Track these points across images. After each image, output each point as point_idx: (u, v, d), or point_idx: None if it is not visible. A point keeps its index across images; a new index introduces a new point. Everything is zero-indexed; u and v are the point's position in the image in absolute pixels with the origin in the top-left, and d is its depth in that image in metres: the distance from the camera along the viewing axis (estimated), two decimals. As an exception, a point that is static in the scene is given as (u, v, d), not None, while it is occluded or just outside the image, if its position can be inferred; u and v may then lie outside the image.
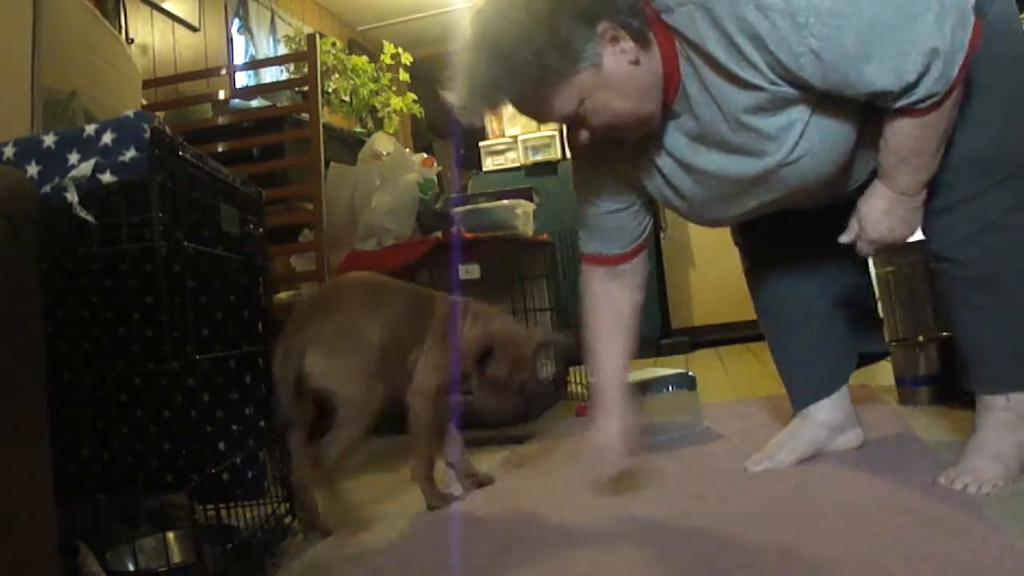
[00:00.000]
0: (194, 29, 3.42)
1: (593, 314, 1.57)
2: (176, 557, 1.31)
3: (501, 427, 1.69)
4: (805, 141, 1.24)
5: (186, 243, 1.22)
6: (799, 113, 1.23)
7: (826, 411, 1.60)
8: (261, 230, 1.57)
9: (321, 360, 1.50)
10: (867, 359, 1.70)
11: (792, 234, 1.58)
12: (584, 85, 1.24)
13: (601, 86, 1.25)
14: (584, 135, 1.32)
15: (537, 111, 1.31)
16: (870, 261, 1.77)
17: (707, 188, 1.38)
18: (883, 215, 1.28)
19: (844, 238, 1.34)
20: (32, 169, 1.14)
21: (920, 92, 1.14)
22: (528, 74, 1.23)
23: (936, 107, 1.16)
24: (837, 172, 1.30)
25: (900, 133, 1.20)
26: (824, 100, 1.21)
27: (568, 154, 4.35)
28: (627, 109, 1.27)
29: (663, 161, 1.40)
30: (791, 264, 1.62)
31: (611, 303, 1.56)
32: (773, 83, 1.19)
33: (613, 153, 1.44)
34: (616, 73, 1.24)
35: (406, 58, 3.95)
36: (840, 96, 1.19)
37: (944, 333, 1.92)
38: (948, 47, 1.11)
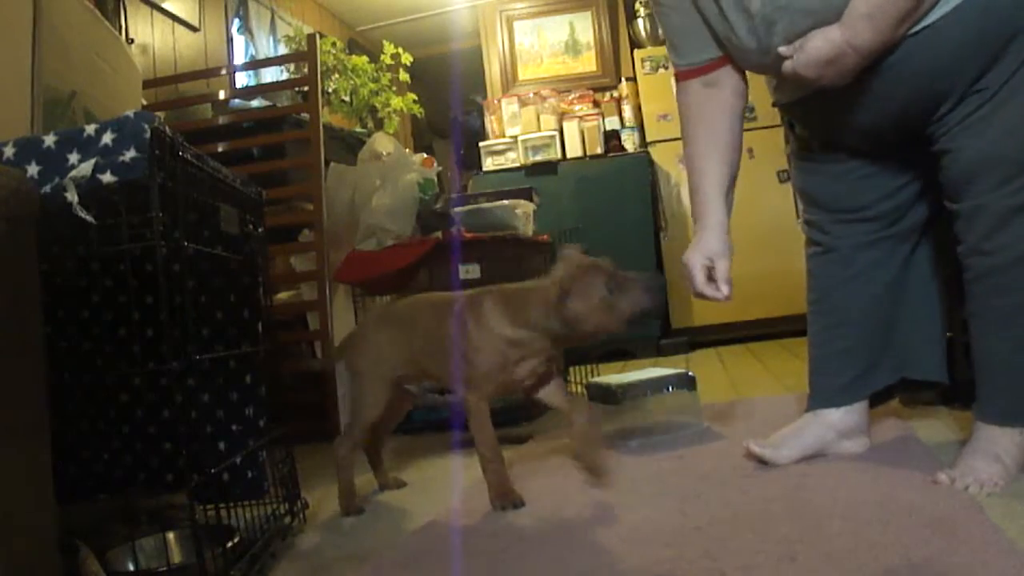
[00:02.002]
0: (194, 29, 3.42)
1: (690, 129, 1.58)
2: (176, 557, 1.31)
3: (503, 427, 1.68)
4: None
5: (186, 243, 1.21)
6: None
7: (839, 415, 1.59)
8: (261, 230, 1.57)
9: (349, 358, 1.75)
10: (917, 386, 1.69)
11: (866, 231, 1.58)
12: None
13: None
14: None
15: None
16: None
17: None
18: (824, 64, 1.33)
19: (784, 50, 1.37)
20: (32, 169, 1.14)
21: None
22: None
23: None
24: (837, 11, 1.30)
25: None
26: None
27: (567, 154, 4.36)
28: None
29: None
30: (858, 263, 1.60)
31: (706, 113, 1.56)
32: None
33: None
34: None
35: (406, 58, 3.95)
36: None
37: (947, 334, 1.92)
38: None
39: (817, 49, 1.32)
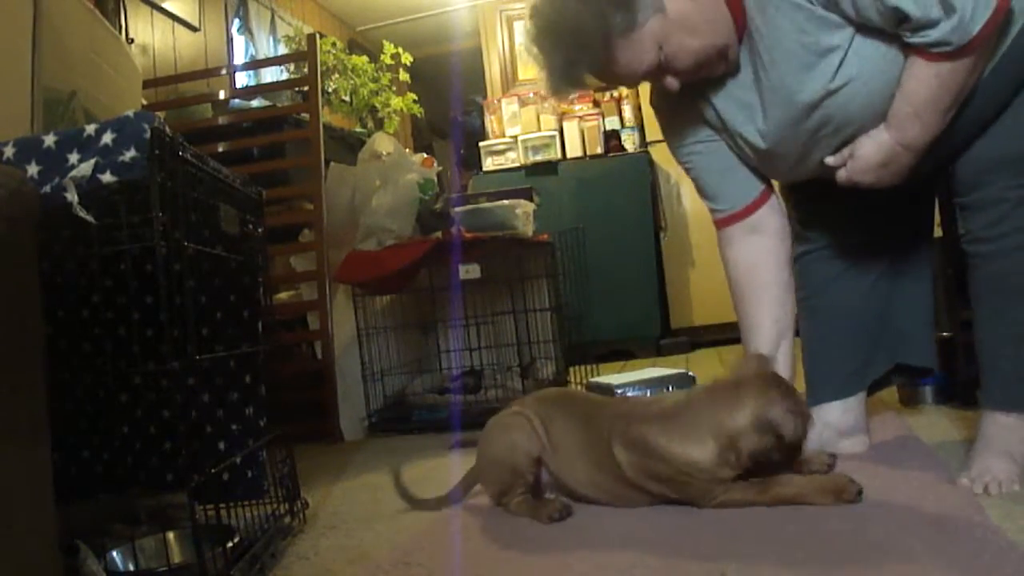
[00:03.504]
0: (194, 29, 3.42)
1: (736, 284, 1.57)
2: (176, 557, 1.31)
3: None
4: (846, 68, 1.27)
5: (186, 243, 1.21)
6: (840, 39, 1.26)
7: (837, 412, 1.59)
8: (261, 230, 1.57)
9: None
10: (910, 372, 1.70)
11: (857, 228, 1.58)
12: (655, 33, 1.29)
13: (672, 29, 1.30)
14: (672, 82, 1.35)
15: (621, 73, 1.35)
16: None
17: (768, 127, 1.40)
18: (878, 166, 1.32)
19: (831, 160, 1.37)
20: (32, 169, 1.14)
21: (935, 34, 1.16)
22: (598, 41, 1.29)
23: (950, 58, 1.19)
24: (881, 114, 1.31)
25: (915, 78, 1.23)
26: (863, 30, 1.25)
27: (567, 154, 4.36)
28: (704, 44, 1.31)
29: (725, 104, 1.43)
30: (848, 260, 1.61)
31: (753, 268, 1.55)
32: (812, 2, 1.25)
33: (691, 103, 1.48)
34: (681, 12, 1.30)
35: (406, 58, 3.95)
36: (871, 22, 1.22)
37: (945, 333, 1.92)
38: (970, 2, 1.14)
39: (870, 154, 1.31)
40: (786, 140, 1.41)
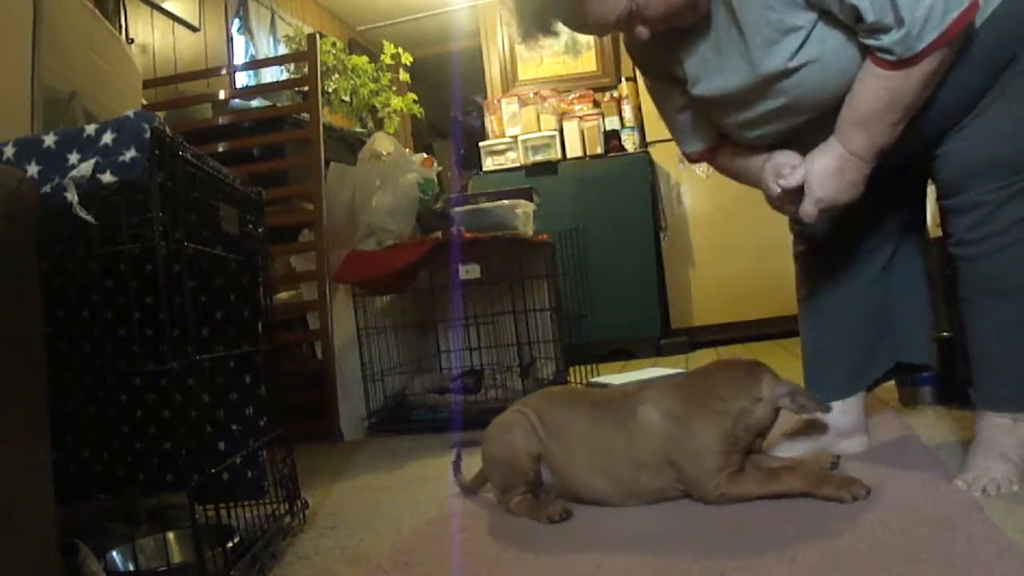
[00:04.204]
0: (194, 29, 3.42)
1: (735, 173, 1.56)
2: (176, 557, 1.31)
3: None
4: (807, 50, 1.27)
5: (186, 243, 1.21)
6: (804, 21, 1.26)
7: (837, 413, 1.59)
8: (261, 230, 1.57)
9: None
10: (908, 369, 1.70)
11: (853, 227, 1.58)
12: None
13: None
14: (642, 31, 1.34)
15: (593, 22, 1.34)
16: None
17: (718, 86, 1.40)
18: (834, 175, 1.32)
19: (783, 183, 1.37)
20: (32, 169, 1.13)
21: (885, 40, 1.18)
22: None
23: (896, 67, 1.20)
24: (836, 102, 1.30)
25: (865, 88, 1.24)
26: (825, 17, 1.25)
27: (567, 154, 4.36)
28: None
29: (686, 55, 1.43)
30: (847, 258, 1.61)
31: (741, 154, 1.54)
32: None
33: (661, 53, 1.47)
34: None
35: (406, 58, 3.95)
36: (831, 10, 1.23)
37: (945, 333, 1.93)
38: (920, 19, 1.14)
39: (823, 164, 1.32)
40: (732, 100, 1.40)
